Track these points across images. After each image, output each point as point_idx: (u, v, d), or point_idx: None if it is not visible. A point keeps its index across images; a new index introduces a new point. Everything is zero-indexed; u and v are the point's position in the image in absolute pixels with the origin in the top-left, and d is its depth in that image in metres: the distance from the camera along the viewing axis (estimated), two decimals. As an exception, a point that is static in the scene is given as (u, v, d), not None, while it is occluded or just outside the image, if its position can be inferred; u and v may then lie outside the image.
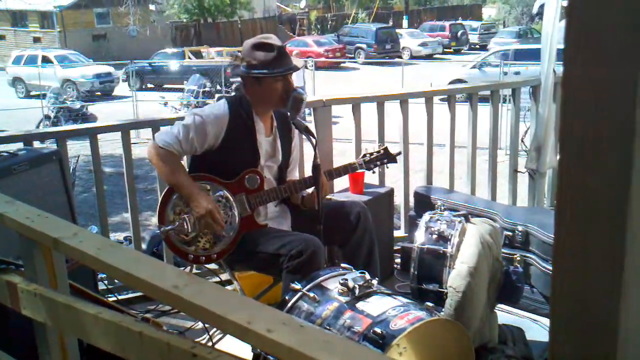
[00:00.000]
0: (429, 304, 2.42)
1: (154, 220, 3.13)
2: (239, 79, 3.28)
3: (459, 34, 36.38)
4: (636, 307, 1.07)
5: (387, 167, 3.50)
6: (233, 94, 3.65)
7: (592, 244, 1.03)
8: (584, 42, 0.99)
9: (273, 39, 3.14)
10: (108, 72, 25.16)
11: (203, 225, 3.00)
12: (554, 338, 1.12)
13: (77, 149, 9.54)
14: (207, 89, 19.36)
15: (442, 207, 3.61)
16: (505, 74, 18.05)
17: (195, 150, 3.06)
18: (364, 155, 3.39)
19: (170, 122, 3.74)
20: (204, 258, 3.06)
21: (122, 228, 8.61)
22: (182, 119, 3.13)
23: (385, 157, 3.38)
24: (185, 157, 3.35)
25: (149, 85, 25.61)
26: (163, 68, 26.11)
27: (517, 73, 17.51)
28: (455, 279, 2.86)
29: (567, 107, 1.04)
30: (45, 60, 25.21)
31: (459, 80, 19.73)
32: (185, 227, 3.01)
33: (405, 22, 42.27)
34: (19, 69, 25.43)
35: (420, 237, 3.19)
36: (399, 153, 3.54)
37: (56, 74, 23.74)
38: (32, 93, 23.68)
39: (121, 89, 24.81)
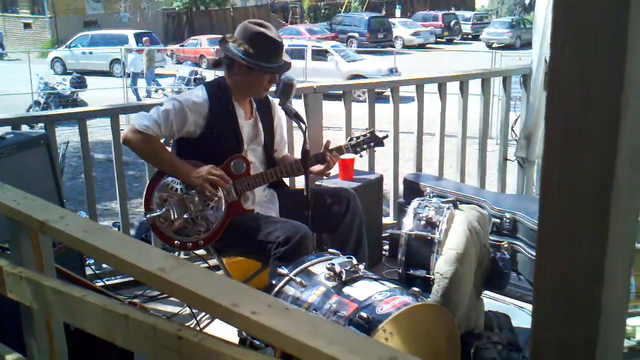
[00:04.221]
0: (415, 289, 2.42)
1: (143, 207, 3.12)
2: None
3: (452, 23, 36.34)
4: (618, 292, 1.08)
5: (375, 151, 3.49)
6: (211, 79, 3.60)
7: (575, 229, 1.04)
8: (570, 29, 1.00)
9: (272, 31, 3.10)
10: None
11: (211, 187, 3.00)
12: (536, 323, 1.13)
13: (67, 135, 9.47)
14: (198, 76, 19.35)
15: (431, 194, 3.63)
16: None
17: (174, 134, 3.06)
18: (351, 139, 3.38)
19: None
20: (190, 244, 3.06)
21: (111, 214, 8.58)
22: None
23: (372, 141, 3.37)
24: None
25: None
26: None
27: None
28: (443, 265, 2.87)
29: (554, 92, 1.04)
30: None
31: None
32: (172, 213, 3.01)
33: (398, 12, 42.20)
34: None
35: (408, 223, 3.19)
36: (386, 136, 3.53)
37: (340, 68, 19.20)
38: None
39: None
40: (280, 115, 3.37)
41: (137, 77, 20.64)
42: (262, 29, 3.06)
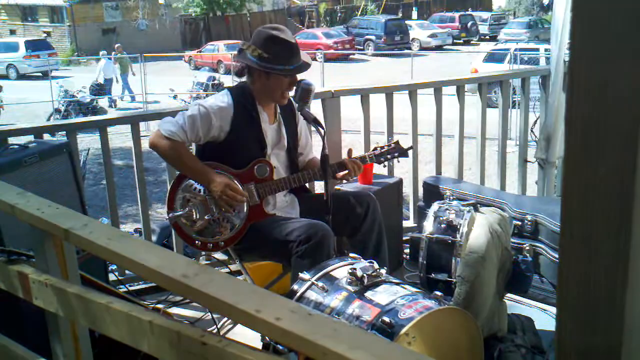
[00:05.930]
0: (437, 293, 2.42)
1: (164, 212, 3.15)
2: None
3: (469, 24, 36.19)
4: (642, 294, 1.07)
5: (399, 161, 3.48)
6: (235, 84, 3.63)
7: (598, 231, 1.03)
8: (589, 32, 0.99)
9: (287, 34, 3.12)
10: None
11: (224, 201, 3.01)
12: (560, 326, 1.12)
13: (88, 142, 9.58)
14: (216, 81, 19.47)
15: (451, 197, 3.61)
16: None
17: (200, 139, 3.08)
18: (375, 149, 3.38)
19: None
20: (211, 245, 3.08)
21: (131, 220, 8.66)
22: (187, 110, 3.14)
23: (396, 151, 3.36)
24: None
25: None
26: None
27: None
28: (464, 268, 2.86)
29: (573, 94, 1.03)
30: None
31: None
32: (194, 214, 3.03)
33: (414, 14, 42.09)
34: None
35: (429, 226, 3.18)
36: (411, 147, 3.51)
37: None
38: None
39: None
40: (304, 121, 3.38)
41: (110, 84, 20.90)
42: (274, 32, 3.07)
